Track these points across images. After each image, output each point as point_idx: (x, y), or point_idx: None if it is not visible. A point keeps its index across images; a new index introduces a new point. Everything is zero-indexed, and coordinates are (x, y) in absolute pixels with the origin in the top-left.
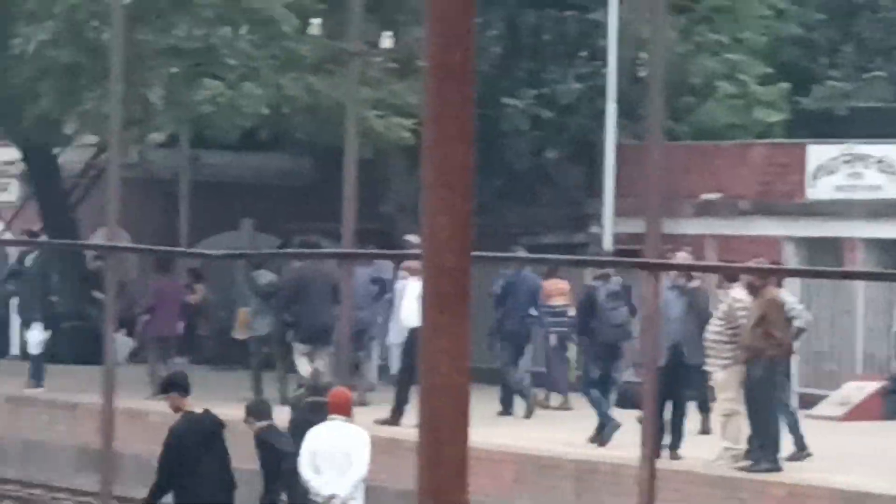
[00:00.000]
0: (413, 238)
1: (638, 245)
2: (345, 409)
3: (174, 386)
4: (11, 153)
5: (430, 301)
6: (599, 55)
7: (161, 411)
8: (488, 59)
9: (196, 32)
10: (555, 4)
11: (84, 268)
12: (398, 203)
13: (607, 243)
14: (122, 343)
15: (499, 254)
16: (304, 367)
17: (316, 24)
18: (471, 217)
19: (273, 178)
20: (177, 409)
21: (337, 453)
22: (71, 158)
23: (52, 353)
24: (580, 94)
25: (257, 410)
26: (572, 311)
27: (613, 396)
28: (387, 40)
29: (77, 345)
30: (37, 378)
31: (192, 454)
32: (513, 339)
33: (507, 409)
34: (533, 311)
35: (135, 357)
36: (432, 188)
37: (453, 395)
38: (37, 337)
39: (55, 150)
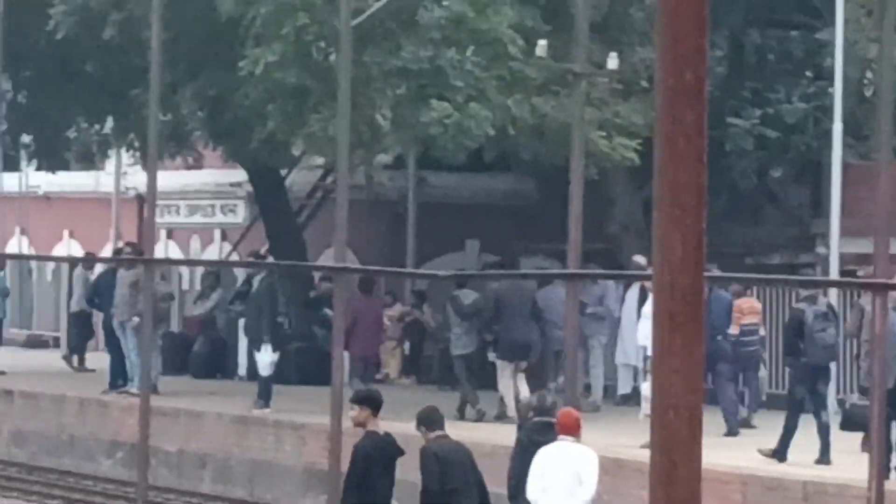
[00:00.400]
0: (640, 259)
1: (866, 265)
2: (574, 429)
3: (369, 401)
4: (238, 175)
5: (662, 321)
6: (825, 74)
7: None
8: (714, 78)
9: (423, 54)
10: (779, 24)
11: (311, 289)
12: (623, 223)
13: (833, 264)
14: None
15: (729, 274)
16: (505, 383)
17: (542, 45)
18: (703, 237)
19: (498, 198)
20: (361, 424)
21: (566, 474)
22: (298, 180)
23: (280, 374)
24: (805, 114)
25: (429, 420)
26: (763, 331)
27: (825, 417)
28: (612, 61)
29: (304, 365)
30: (265, 399)
31: (373, 474)
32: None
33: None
34: (733, 330)
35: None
36: (664, 208)
37: (686, 415)
38: (266, 359)
39: (282, 172)
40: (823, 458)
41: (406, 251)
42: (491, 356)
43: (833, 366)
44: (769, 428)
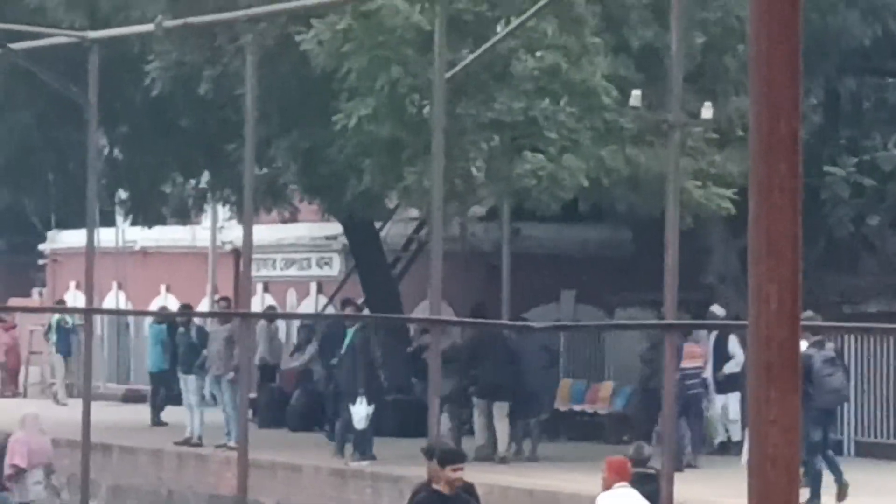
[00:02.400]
0: (718, 309)
1: None
2: (627, 476)
3: (428, 453)
4: (334, 228)
5: (759, 372)
6: None
7: (482, 482)
8: (809, 126)
9: (516, 105)
10: (875, 71)
11: (408, 341)
12: (719, 273)
13: None
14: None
15: (826, 323)
16: (479, 420)
17: (636, 94)
18: (799, 288)
19: (593, 249)
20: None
21: None
22: (392, 232)
23: (377, 427)
24: None
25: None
26: (706, 374)
27: (833, 456)
28: (707, 110)
29: (401, 417)
30: (362, 451)
31: None
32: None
33: None
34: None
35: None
36: (759, 258)
37: (784, 467)
38: (361, 412)
39: (377, 224)
40: (841, 495)
41: (501, 302)
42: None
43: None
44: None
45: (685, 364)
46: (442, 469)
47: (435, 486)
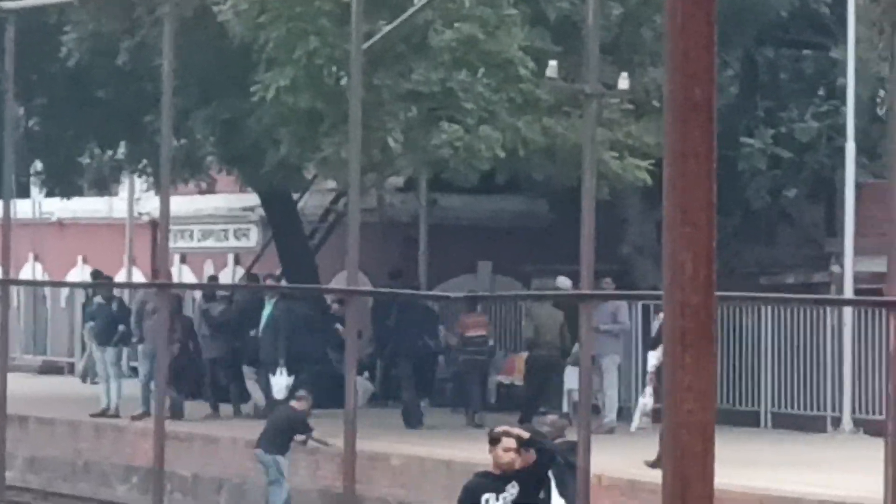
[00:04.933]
0: (563, 281)
1: (880, 284)
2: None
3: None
4: (251, 199)
5: (674, 339)
6: (838, 93)
7: (403, 454)
8: (726, 97)
9: (433, 76)
10: (792, 43)
11: (325, 312)
12: (636, 244)
13: (848, 283)
14: (362, 387)
15: (741, 293)
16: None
17: (552, 66)
18: (713, 255)
19: (510, 220)
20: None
21: None
22: (310, 203)
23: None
24: (818, 133)
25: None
26: (491, 342)
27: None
28: (623, 81)
29: (318, 389)
30: None
31: None
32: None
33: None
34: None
35: (375, 400)
36: (674, 227)
37: (699, 434)
38: (282, 382)
39: (294, 196)
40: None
41: (418, 273)
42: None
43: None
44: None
45: (470, 333)
46: (492, 450)
47: (489, 470)
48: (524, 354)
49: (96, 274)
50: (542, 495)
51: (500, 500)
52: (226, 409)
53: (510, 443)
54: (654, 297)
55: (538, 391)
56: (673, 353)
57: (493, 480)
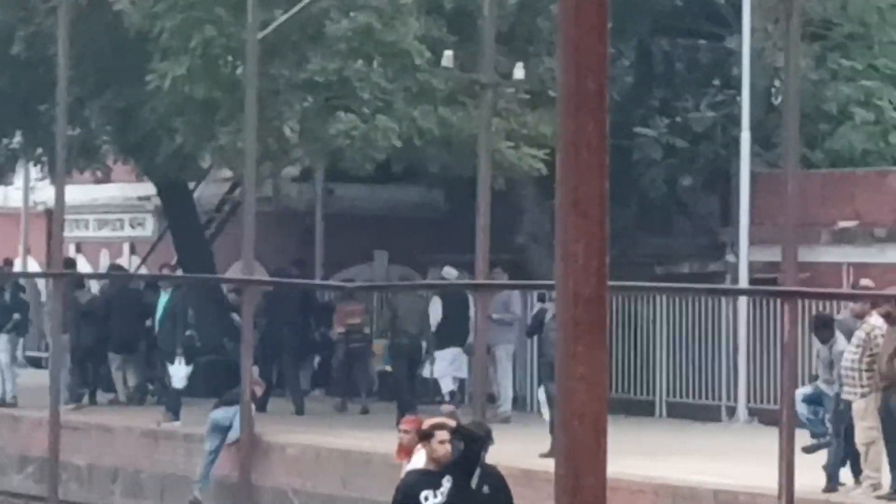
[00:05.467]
0: (449, 271)
1: (774, 273)
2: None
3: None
4: (147, 188)
5: (566, 329)
6: (733, 83)
7: (299, 444)
8: (621, 87)
9: (330, 66)
10: (687, 33)
11: (221, 301)
12: (531, 233)
13: (743, 272)
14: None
15: (635, 283)
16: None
17: (448, 56)
18: (606, 245)
19: (406, 210)
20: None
21: None
22: (206, 193)
23: (190, 387)
24: (713, 123)
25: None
26: (367, 330)
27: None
28: (519, 71)
29: (214, 378)
30: (174, 412)
31: None
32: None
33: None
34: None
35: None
36: (566, 216)
37: (591, 423)
38: (180, 372)
39: (190, 185)
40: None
41: (314, 263)
42: None
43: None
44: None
45: (348, 322)
46: (426, 445)
47: (422, 467)
48: (383, 342)
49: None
50: (473, 484)
51: (439, 496)
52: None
53: (444, 435)
54: (548, 287)
55: (405, 379)
56: (565, 343)
57: (430, 476)
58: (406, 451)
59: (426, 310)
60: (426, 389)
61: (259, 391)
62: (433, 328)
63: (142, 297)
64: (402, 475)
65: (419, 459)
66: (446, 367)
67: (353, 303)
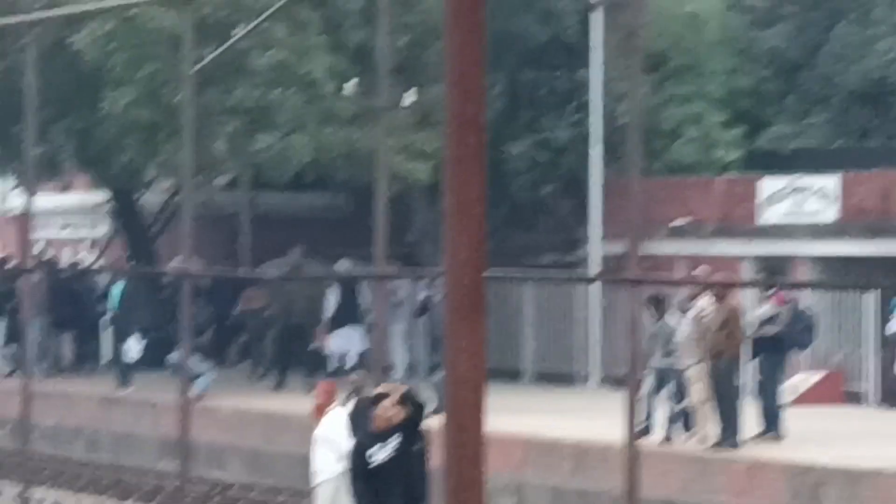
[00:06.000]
0: (343, 263)
1: (621, 263)
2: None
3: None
4: (102, 196)
5: (451, 310)
6: (586, 107)
7: (230, 407)
8: (494, 111)
9: (252, 94)
10: (548, 66)
11: (163, 289)
12: (420, 232)
13: (595, 262)
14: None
15: (508, 272)
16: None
17: (349, 85)
18: (484, 241)
19: (317, 212)
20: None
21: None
22: (151, 199)
23: (140, 360)
24: (571, 139)
25: None
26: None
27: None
28: (410, 97)
29: (158, 353)
30: (126, 381)
31: None
32: None
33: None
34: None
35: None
36: (453, 217)
37: (472, 387)
38: (134, 346)
39: (137, 193)
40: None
41: (240, 258)
42: None
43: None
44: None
45: (251, 305)
46: (375, 409)
47: (371, 429)
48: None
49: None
50: (417, 445)
51: (385, 451)
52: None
53: (392, 400)
54: (436, 275)
55: (290, 353)
56: (451, 322)
57: (377, 436)
58: (320, 411)
59: (318, 296)
60: (328, 361)
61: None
62: (332, 312)
63: (72, 285)
64: (315, 432)
65: (331, 419)
66: (343, 342)
67: (255, 289)
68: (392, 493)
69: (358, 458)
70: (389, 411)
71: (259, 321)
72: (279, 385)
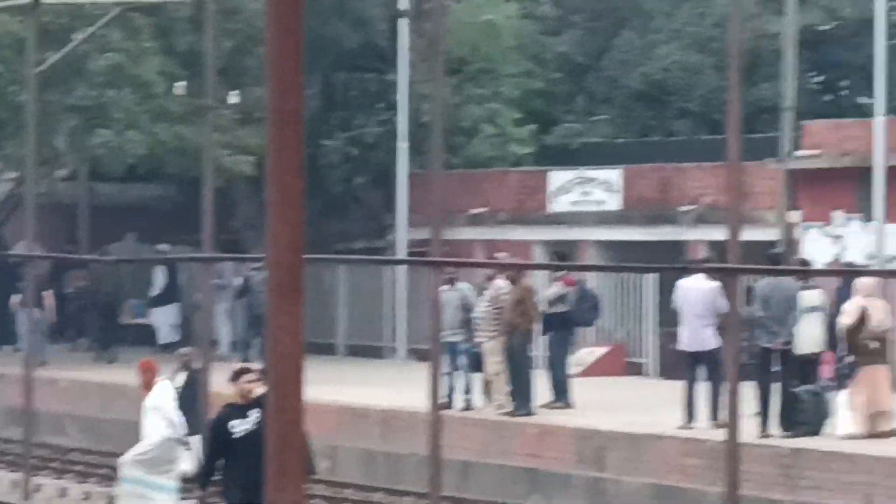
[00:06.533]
0: (163, 247)
1: (425, 248)
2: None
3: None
4: None
5: (272, 290)
6: (394, 106)
7: (69, 378)
8: (310, 109)
9: (91, 94)
10: (360, 69)
11: (10, 270)
12: (244, 220)
13: (401, 246)
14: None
15: (324, 255)
16: None
17: (178, 85)
18: (303, 226)
19: (150, 202)
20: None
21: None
22: None
23: None
24: (380, 136)
25: None
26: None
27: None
28: (234, 97)
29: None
30: None
31: None
32: None
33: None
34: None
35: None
36: (274, 206)
37: (292, 360)
38: None
39: None
40: None
41: (81, 243)
42: None
43: None
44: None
45: (77, 284)
46: (235, 384)
47: (233, 402)
48: None
49: None
50: None
51: (246, 424)
52: None
53: (251, 376)
54: (258, 259)
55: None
56: (272, 301)
57: (238, 409)
58: (146, 386)
59: (145, 276)
60: (149, 335)
61: None
62: (158, 291)
63: None
64: (144, 403)
65: (158, 390)
66: (164, 316)
67: (78, 270)
68: (251, 464)
69: (219, 429)
70: (250, 385)
71: (84, 299)
72: (102, 356)
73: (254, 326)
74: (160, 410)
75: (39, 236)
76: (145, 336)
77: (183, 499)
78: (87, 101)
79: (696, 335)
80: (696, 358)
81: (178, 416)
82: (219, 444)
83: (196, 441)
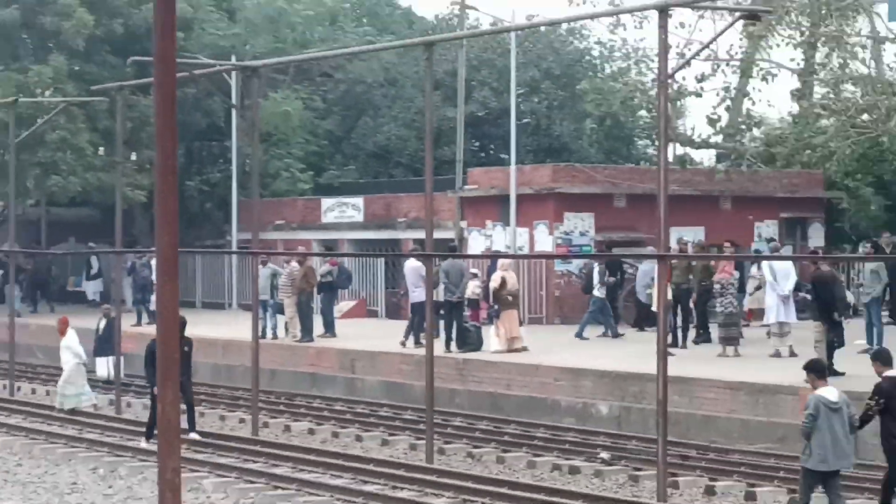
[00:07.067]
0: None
1: (249, 244)
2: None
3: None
4: None
5: (161, 270)
6: (229, 160)
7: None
8: (179, 163)
9: (47, 154)
10: (208, 139)
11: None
12: (140, 229)
13: (234, 244)
14: None
15: (189, 249)
16: None
17: (101, 150)
18: (177, 233)
19: (84, 219)
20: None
21: None
22: None
23: None
24: (221, 179)
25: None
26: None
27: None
28: (134, 156)
29: None
30: None
31: None
32: None
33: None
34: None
35: None
36: (159, 220)
37: (172, 312)
38: None
39: None
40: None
41: (42, 244)
42: None
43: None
44: None
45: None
46: None
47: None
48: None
49: None
50: (187, 346)
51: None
52: None
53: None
54: (146, 253)
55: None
56: (160, 277)
57: None
58: (62, 332)
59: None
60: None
61: None
62: (94, 271)
63: None
64: (61, 342)
65: (70, 335)
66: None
67: (27, 258)
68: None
69: (153, 354)
70: None
71: (37, 278)
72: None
73: (138, 292)
74: (70, 348)
75: (18, 240)
76: (79, 298)
77: (97, 396)
78: (45, 159)
79: (414, 293)
80: (414, 309)
81: (81, 350)
82: (154, 364)
83: (110, 360)
